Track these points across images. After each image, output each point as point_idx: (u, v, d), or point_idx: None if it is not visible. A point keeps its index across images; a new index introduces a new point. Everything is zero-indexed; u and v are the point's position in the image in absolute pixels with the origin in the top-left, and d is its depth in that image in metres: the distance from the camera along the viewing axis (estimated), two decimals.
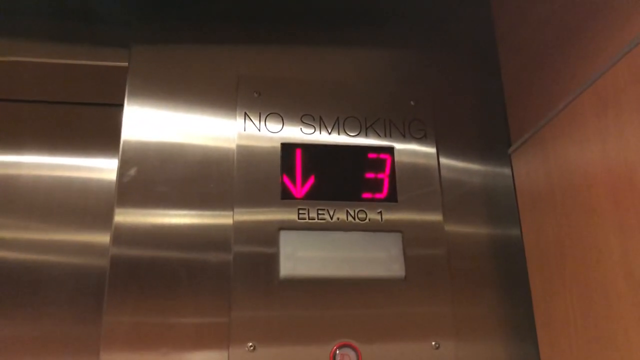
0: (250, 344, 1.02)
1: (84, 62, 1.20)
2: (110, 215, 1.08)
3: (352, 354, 1.04)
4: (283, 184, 1.13)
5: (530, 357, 1.10)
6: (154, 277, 1.04)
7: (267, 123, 1.17)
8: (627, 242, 0.85)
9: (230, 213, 1.10)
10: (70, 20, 1.23)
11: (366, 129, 1.20)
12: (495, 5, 1.32)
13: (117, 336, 1.00)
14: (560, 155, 1.03)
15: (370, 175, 1.16)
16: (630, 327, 0.84)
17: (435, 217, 1.16)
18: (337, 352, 1.04)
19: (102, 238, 1.15)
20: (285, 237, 1.09)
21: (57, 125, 1.23)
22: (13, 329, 1.10)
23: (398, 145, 1.20)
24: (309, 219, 1.11)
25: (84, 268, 1.15)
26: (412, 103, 1.24)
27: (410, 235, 1.13)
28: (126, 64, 1.18)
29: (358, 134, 1.20)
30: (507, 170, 1.23)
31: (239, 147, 1.14)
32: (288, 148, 1.15)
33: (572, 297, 0.98)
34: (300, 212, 1.11)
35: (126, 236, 1.06)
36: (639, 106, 0.83)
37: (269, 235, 1.09)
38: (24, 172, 1.20)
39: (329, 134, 1.19)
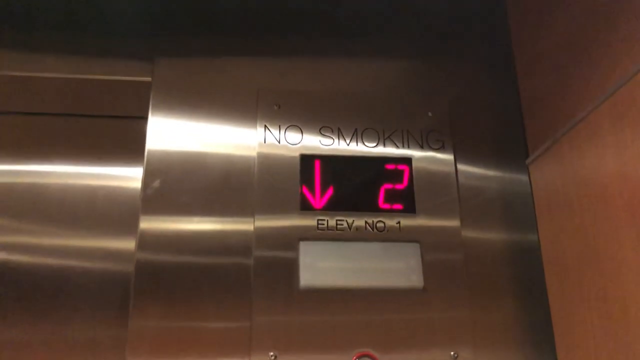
0: (272, 353, 1.04)
1: (109, 77, 1.23)
2: (135, 222, 1.11)
3: None
4: (302, 194, 1.15)
5: None
6: (177, 283, 1.07)
7: (286, 135, 1.20)
8: None
9: (251, 220, 1.12)
10: (95, 36, 1.26)
11: (384, 140, 1.22)
12: (513, 16, 1.33)
13: (143, 341, 1.03)
14: (577, 166, 1.03)
15: (388, 185, 1.18)
16: None
17: (453, 226, 1.17)
18: None
19: (128, 244, 1.18)
20: (305, 248, 1.11)
21: (84, 137, 1.27)
22: (41, 334, 1.12)
23: (416, 156, 1.21)
24: (328, 229, 1.13)
25: (110, 274, 1.17)
26: (429, 114, 1.25)
27: (428, 246, 1.14)
28: (149, 78, 1.22)
29: (376, 145, 1.21)
30: (524, 178, 1.23)
31: (259, 158, 1.17)
32: (307, 159, 1.18)
33: (591, 306, 0.98)
34: (320, 222, 1.13)
35: (151, 243, 1.09)
36: None
37: (289, 244, 1.11)
38: (53, 181, 1.24)
39: (348, 145, 1.20)
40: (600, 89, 0.97)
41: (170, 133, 1.17)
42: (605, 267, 0.94)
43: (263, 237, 1.11)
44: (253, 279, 1.08)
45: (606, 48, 0.97)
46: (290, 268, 1.10)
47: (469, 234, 1.18)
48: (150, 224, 1.10)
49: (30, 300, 1.15)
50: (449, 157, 1.22)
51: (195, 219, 1.12)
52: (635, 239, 0.87)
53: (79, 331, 1.13)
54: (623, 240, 0.90)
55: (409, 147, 1.22)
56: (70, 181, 1.24)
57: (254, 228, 1.12)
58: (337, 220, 1.14)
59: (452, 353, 1.08)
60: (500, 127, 1.28)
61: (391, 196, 1.17)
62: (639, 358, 0.86)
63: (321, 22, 1.32)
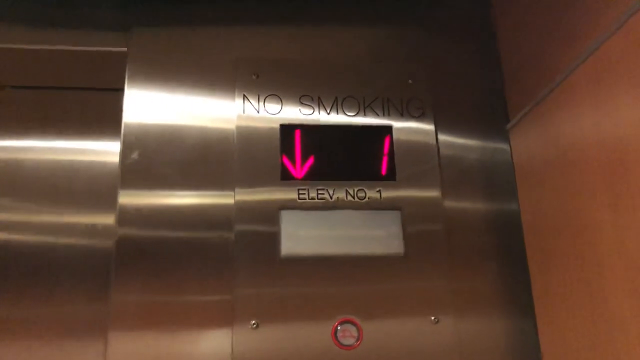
0: (254, 321, 1.04)
1: (84, 48, 1.20)
2: (114, 197, 1.10)
3: (353, 329, 1.06)
4: (283, 164, 1.14)
5: (528, 330, 1.12)
6: (159, 257, 1.07)
7: (266, 104, 1.18)
8: (619, 218, 0.86)
9: (232, 193, 1.12)
10: (69, 7, 1.23)
11: (365, 108, 1.21)
12: None
13: (125, 315, 1.03)
14: (556, 131, 1.04)
15: (369, 154, 1.17)
16: (623, 301, 0.86)
17: (434, 194, 1.17)
18: (339, 327, 1.06)
19: (108, 219, 1.17)
20: (286, 217, 1.10)
21: (60, 110, 1.24)
22: (23, 310, 1.12)
23: (396, 124, 1.21)
24: (309, 199, 1.13)
25: (91, 249, 1.17)
26: (410, 81, 1.24)
27: (409, 213, 1.15)
28: (125, 48, 1.19)
29: (357, 114, 1.20)
30: (505, 146, 1.23)
31: (238, 128, 1.16)
32: (287, 129, 1.16)
33: (568, 271, 0.99)
34: (300, 192, 1.13)
35: (131, 217, 1.08)
36: (632, 80, 0.83)
37: (270, 215, 1.11)
38: (29, 156, 1.22)
39: (328, 114, 1.19)
40: (578, 52, 0.97)
41: (148, 105, 1.16)
42: (582, 232, 0.96)
43: (244, 210, 1.11)
44: (235, 252, 1.08)
45: (583, 11, 0.96)
46: (272, 238, 1.09)
47: (450, 199, 1.18)
48: (129, 198, 1.09)
49: (10, 277, 1.14)
50: (429, 124, 1.22)
51: (176, 193, 1.11)
52: (610, 203, 0.88)
53: (60, 307, 1.13)
54: (598, 204, 0.91)
55: (389, 116, 1.21)
56: (47, 156, 1.22)
57: (234, 201, 1.11)
58: (317, 189, 1.14)
59: (432, 318, 1.09)
60: (482, 95, 1.27)
61: (372, 164, 1.16)
62: (613, 318, 0.88)
63: None
